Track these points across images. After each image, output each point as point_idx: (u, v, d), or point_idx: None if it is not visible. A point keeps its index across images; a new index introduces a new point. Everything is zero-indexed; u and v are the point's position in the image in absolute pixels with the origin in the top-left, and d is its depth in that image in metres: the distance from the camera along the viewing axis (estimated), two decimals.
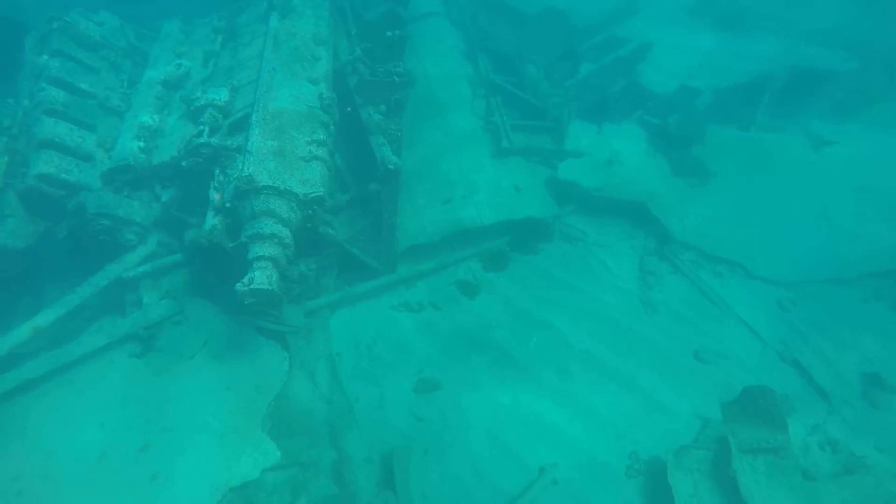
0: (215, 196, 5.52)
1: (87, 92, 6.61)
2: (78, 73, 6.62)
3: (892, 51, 9.66)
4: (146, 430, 5.38)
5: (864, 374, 6.16)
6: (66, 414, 5.59)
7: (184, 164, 5.59)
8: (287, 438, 5.47)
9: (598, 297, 6.95)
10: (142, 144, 6.08)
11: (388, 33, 7.24)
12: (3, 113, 6.25)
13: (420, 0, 8.64)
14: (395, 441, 5.73)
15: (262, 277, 4.87)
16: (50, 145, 5.93)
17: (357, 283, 6.91)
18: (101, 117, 6.61)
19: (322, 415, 5.80)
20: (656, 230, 7.53)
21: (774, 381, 5.94)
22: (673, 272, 7.25)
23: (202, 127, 5.70)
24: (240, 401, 5.48)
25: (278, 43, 6.65)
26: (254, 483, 4.98)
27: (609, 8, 10.40)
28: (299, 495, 5.21)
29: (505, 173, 7.64)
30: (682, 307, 6.87)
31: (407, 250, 7.02)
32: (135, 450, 5.22)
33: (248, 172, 5.15)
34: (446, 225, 7.06)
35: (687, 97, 8.57)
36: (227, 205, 5.35)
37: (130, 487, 4.92)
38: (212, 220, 5.42)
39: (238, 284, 4.87)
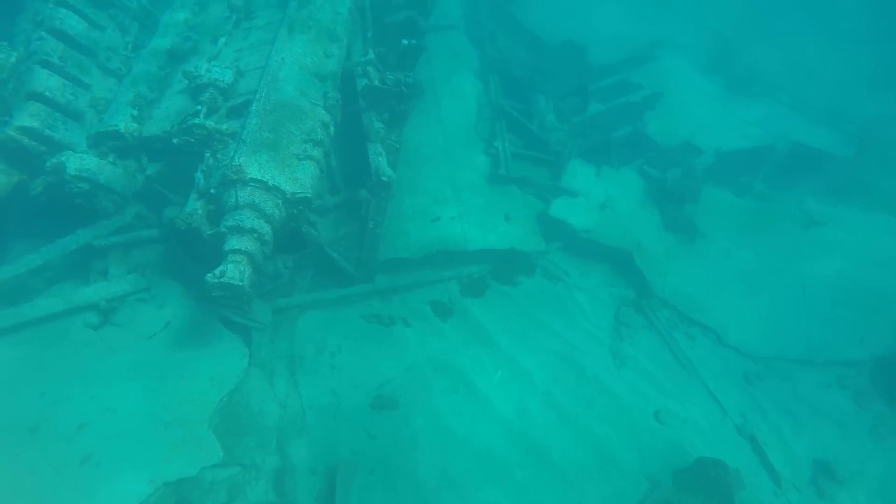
0: (201, 179, 5.38)
1: (87, 48, 6.41)
2: (81, 28, 6.41)
3: (889, 140, 9.83)
4: (88, 407, 5.19)
5: (817, 461, 6.21)
6: (7, 376, 5.39)
7: (175, 141, 5.44)
8: (233, 437, 5.34)
9: (568, 341, 6.92)
10: (135, 113, 5.91)
11: (404, 42, 7.18)
12: None
13: (441, 12, 8.52)
14: (343, 455, 5.61)
15: (234, 272, 4.75)
16: (39, 98, 5.73)
17: (332, 287, 6.80)
18: (99, 77, 6.41)
19: (273, 418, 5.67)
20: (637, 282, 7.54)
21: (728, 454, 5.96)
22: (647, 327, 7.26)
23: (200, 107, 5.56)
24: (191, 391, 5.33)
25: (292, 32, 6.53)
26: (190, 480, 4.84)
27: (628, 51, 10.46)
28: (235, 498, 5.06)
29: (498, 200, 7.59)
30: (650, 364, 6.87)
31: (387, 262, 6.92)
32: (72, 427, 5.04)
33: (238, 162, 5.03)
34: (431, 243, 6.99)
35: (689, 154, 8.63)
36: (212, 191, 5.21)
37: (58, 467, 4.73)
38: (193, 204, 5.28)
39: (209, 275, 4.74)
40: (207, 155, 5.47)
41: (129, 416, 5.12)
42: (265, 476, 5.30)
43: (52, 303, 5.71)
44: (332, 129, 6.07)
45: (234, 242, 4.91)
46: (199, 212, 5.24)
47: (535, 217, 7.67)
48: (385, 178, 5.67)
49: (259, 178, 5.07)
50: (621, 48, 10.33)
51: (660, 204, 8.12)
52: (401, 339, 6.72)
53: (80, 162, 5.66)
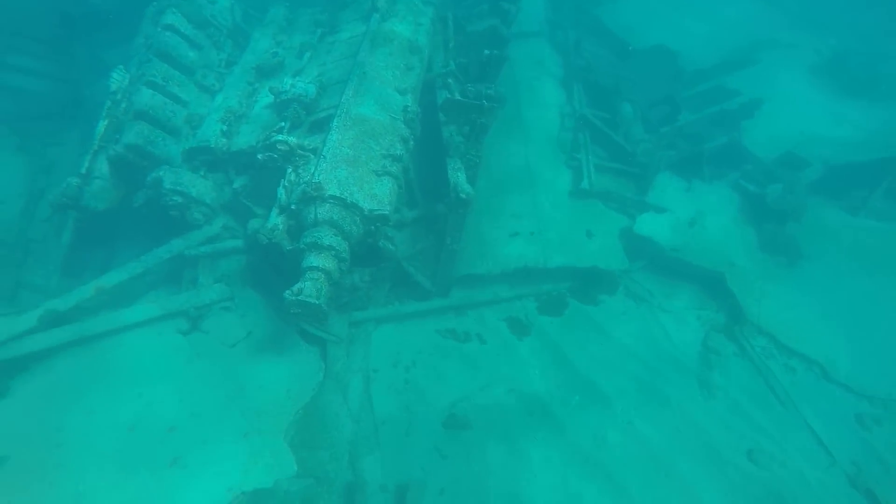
0: (283, 195, 5.51)
1: (187, 68, 6.78)
2: (183, 49, 6.80)
3: None
4: (178, 410, 5.45)
5: None
6: (111, 376, 5.76)
7: (259, 156, 5.60)
8: (307, 450, 5.42)
9: (652, 366, 6.50)
10: (224, 128, 6.17)
11: (486, 52, 7.01)
12: (112, 79, 6.48)
13: (525, 18, 8.29)
14: (414, 473, 5.57)
15: (311, 290, 4.80)
16: (144, 116, 6.11)
17: (408, 300, 6.79)
18: (195, 94, 6.77)
19: (346, 432, 5.70)
20: (729, 306, 6.95)
21: None
22: (739, 356, 6.68)
23: (282, 123, 5.71)
24: (269, 402, 5.46)
25: (374, 46, 6.57)
26: (266, 491, 4.95)
27: (724, 53, 9.75)
28: None
29: (580, 215, 7.28)
30: (743, 397, 6.31)
31: (463, 277, 6.82)
32: (163, 429, 5.30)
33: (317, 179, 5.10)
34: (509, 260, 6.81)
35: (792, 166, 7.87)
36: (293, 206, 5.31)
37: (151, 467, 4.99)
38: (275, 219, 5.41)
39: (287, 292, 4.83)
40: (289, 170, 5.59)
41: (213, 422, 5.32)
42: (337, 490, 5.33)
43: (149, 309, 6.06)
44: (411, 143, 6.05)
45: (313, 260, 4.97)
46: (281, 227, 5.36)
47: (619, 233, 7.29)
48: (464, 196, 5.56)
49: (338, 195, 5.11)
50: (717, 51, 9.66)
51: (757, 222, 7.47)
52: (475, 357, 6.59)
53: (176, 176, 5.97)
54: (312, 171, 5.34)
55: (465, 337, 6.75)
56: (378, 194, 5.39)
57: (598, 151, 8.04)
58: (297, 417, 5.42)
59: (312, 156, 5.64)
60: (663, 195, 7.50)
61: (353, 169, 5.36)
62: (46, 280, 7.23)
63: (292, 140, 5.46)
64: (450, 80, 6.85)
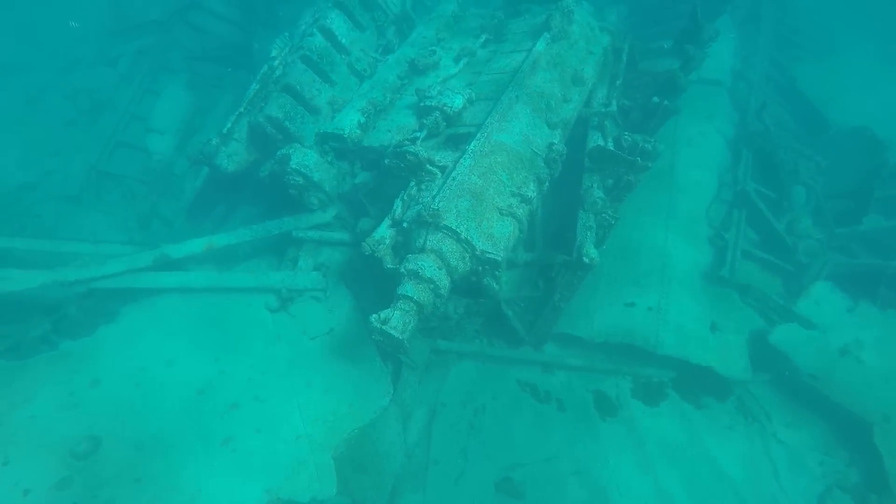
0: (399, 208, 5.25)
1: (345, 48, 6.69)
2: (345, 28, 6.71)
3: None
4: (244, 389, 5.48)
5: None
6: (197, 333, 5.93)
7: (386, 161, 5.37)
8: (352, 470, 5.23)
9: (748, 502, 5.58)
10: (362, 120, 6.00)
11: (655, 100, 6.28)
12: (274, 45, 6.55)
13: (707, 63, 7.32)
14: None
15: (398, 322, 4.51)
16: (290, 90, 6.11)
17: (498, 341, 6.36)
18: (345, 76, 6.68)
19: (396, 463, 5.45)
20: (869, 466, 5.76)
21: None
22: None
23: (417, 133, 5.42)
24: (329, 411, 5.31)
25: (534, 69, 6.07)
26: None
27: None
28: None
29: (709, 302, 6.39)
30: None
31: (561, 334, 6.25)
32: (227, 403, 5.35)
33: (437, 206, 4.76)
34: (617, 331, 6.13)
35: None
36: (405, 224, 5.03)
37: (205, 439, 5.04)
38: (384, 231, 5.17)
39: (374, 316, 4.58)
40: (412, 184, 5.32)
41: (272, 414, 5.27)
42: None
43: (246, 278, 6.15)
44: (546, 185, 5.54)
45: (409, 289, 4.67)
46: (387, 241, 5.11)
47: (749, 336, 6.31)
48: (587, 260, 4.97)
49: (453, 227, 4.75)
50: None
51: None
52: (550, 422, 6.05)
53: (303, 157, 5.92)
54: (435, 192, 5.02)
55: (546, 397, 6.21)
56: (496, 236, 4.96)
57: (750, 234, 7.01)
58: (351, 436, 5.22)
59: (440, 173, 5.32)
60: (817, 308, 6.36)
61: (477, 202, 4.96)
62: (174, 217, 7.64)
63: (422, 153, 5.15)
64: (606, 123, 6.20)
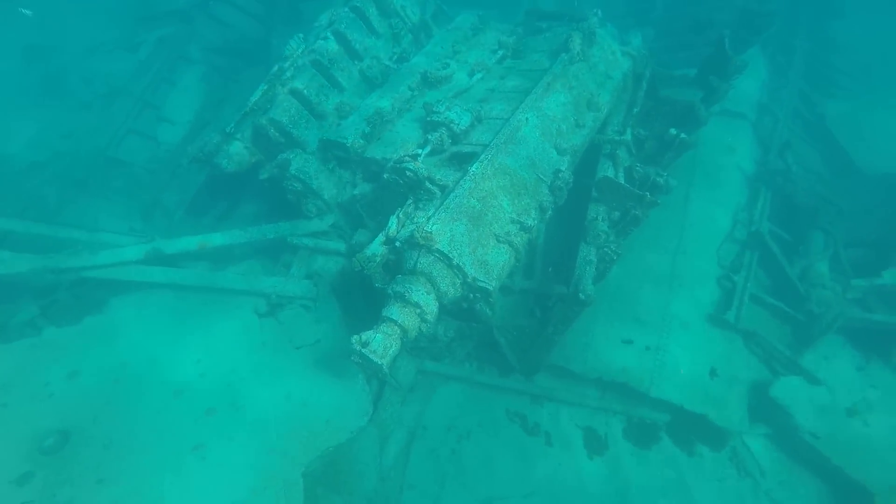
0: (394, 225, 5.09)
1: (357, 53, 6.57)
2: (360, 33, 6.58)
3: None
4: (223, 393, 5.36)
5: None
6: (183, 331, 5.84)
7: (385, 175, 5.22)
8: (324, 488, 5.09)
9: None
10: (367, 130, 5.85)
11: (673, 132, 6.05)
12: (288, 45, 6.43)
13: (732, 94, 7.04)
14: None
15: (379, 346, 4.35)
16: (297, 94, 6.00)
17: (488, 366, 6.19)
18: (356, 82, 6.56)
19: (369, 485, 5.30)
20: None
21: None
22: None
23: (419, 150, 5.25)
24: (305, 426, 5.16)
25: (549, 90, 5.87)
26: None
27: None
28: None
29: (711, 347, 6.14)
30: None
31: (554, 366, 6.05)
32: (203, 408, 5.24)
33: (430, 229, 4.58)
34: (610, 368, 5.92)
35: None
36: (398, 244, 4.87)
37: (175, 444, 4.93)
38: (376, 248, 5.01)
39: (354, 337, 4.44)
40: (410, 201, 5.16)
41: (247, 422, 5.15)
42: None
43: (237, 280, 6.05)
44: (549, 213, 5.34)
45: (394, 312, 4.51)
46: (378, 259, 4.95)
47: (750, 385, 6.05)
48: (583, 297, 4.77)
49: (446, 252, 4.57)
50: None
51: None
52: (535, 456, 5.87)
53: (303, 163, 5.81)
54: (431, 213, 4.85)
55: (534, 429, 6.02)
56: (490, 263, 4.77)
57: (761, 277, 6.73)
58: (325, 454, 5.07)
59: (440, 193, 5.15)
60: (825, 364, 6.06)
61: (474, 227, 4.78)
62: (175, 209, 7.58)
63: (422, 171, 4.99)
64: (619, 152, 5.99)
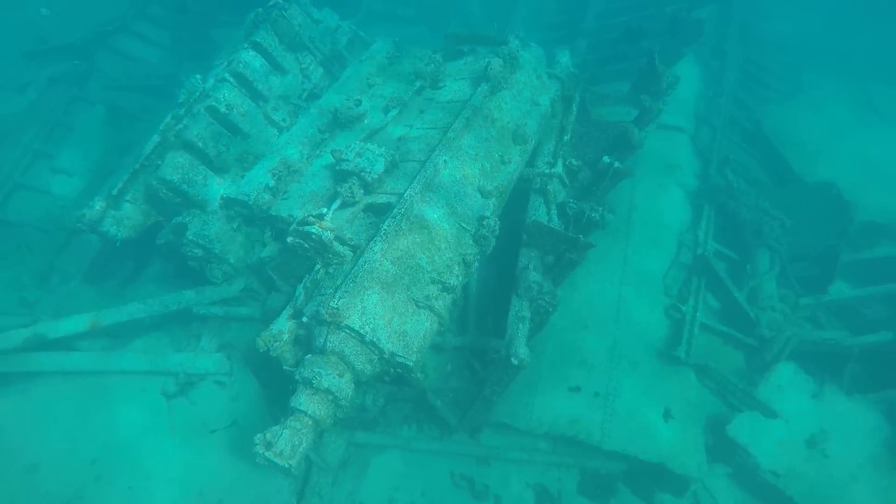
0: (301, 296, 4.54)
1: (261, 94, 5.95)
2: (262, 73, 5.96)
3: None
4: (122, 501, 4.70)
5: None
6: (79, 419, 5.15)
7: (289, 240, 4.64)
8: None
9: None
10: (272, 184, 5.26)
11: (606, 159, 5.64)
12: (184, 88, 5.75)
13: (669, 108, 6.71)
14: None
15: (286, 446, 3.80)
16: (190, 148, 5.35)
17: (429, 426, 5.66)
18: (260, 126, 5.93)
19: None
20: None
21: None
22: None
23: (323, 210, 4.70)
24: None
25: (468, 126, 5.40)
26: None
27: None
28: None
29: (663, 386, 5.78)
30: None
31: (498, 423, 5.58)
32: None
33: (336, 305, 4.04)
34: (558, 421, 5.49)
35: None
36: (304, 319, 4.31)
37: None
38: (283, 324, 4.46)
39: (258, 436, 3.89)
40: (318, 267, 4.63)
41: None
42: None
43: (139, 359, 5.38)
44: (475, 266, 4.86)
45: (303, 402, 3.97)
46: (285, 336, 4.39)
47: (706, 423, 5.72)
48: (515, 362, 4.30)
49: (356, 328, 4.04)
50: None
51: None
52: None
53: (202, 227, 5.20)
54: (339, 282, 4.30)
55: (483, 492, 5.54)
56: (408, 334, 4.25)
57: (711, 301, 6.43)
58: None
59: (351, 254, 4.62)
60: (780, 393, 5.76)
61: (388, 294, 4.26)
62: (73, 274, 6.80)
63: (327, 235, 4.44)
64: (550, 187, 5.56)
